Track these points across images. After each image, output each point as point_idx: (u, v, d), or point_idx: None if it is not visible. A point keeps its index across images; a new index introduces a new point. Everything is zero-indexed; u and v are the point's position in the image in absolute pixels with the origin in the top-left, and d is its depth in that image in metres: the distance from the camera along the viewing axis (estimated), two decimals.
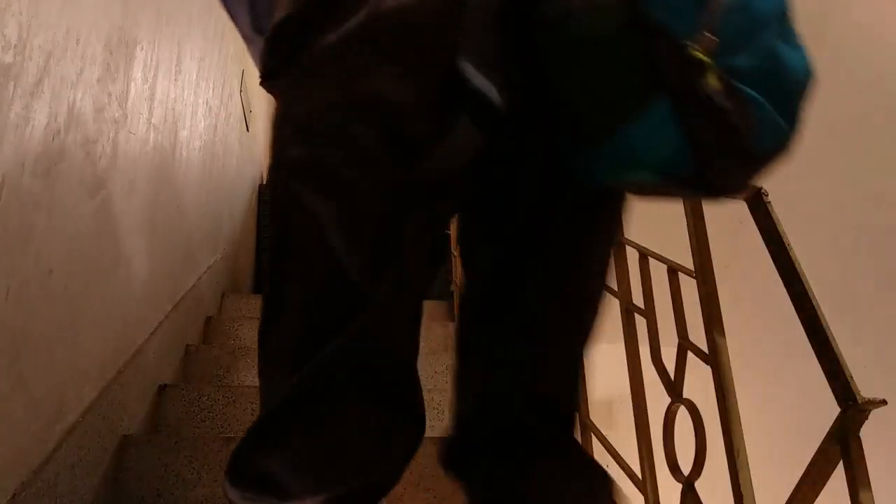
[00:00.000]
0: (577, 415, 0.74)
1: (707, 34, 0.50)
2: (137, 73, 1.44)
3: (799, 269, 0.78)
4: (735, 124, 0.52)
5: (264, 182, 3.79)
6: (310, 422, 0.56)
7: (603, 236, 0.68)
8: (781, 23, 0.54)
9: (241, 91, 2.97)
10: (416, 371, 0.67)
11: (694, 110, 0.52)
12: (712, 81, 0.51)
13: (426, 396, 1.79)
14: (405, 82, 0.53)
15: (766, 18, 0.53)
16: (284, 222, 0.58)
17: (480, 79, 0.53)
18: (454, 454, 0.72)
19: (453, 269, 2.90)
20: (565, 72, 0.55)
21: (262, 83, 0.62)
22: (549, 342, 0.68)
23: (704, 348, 0.91)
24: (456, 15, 0.53)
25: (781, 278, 0.80)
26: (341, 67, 0.54)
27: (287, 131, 0.58)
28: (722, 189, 0.58)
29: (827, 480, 0.71)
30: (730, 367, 0.88)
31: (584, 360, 0.74)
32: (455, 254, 2.86)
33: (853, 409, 0.67)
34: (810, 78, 0.56)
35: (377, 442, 0.60)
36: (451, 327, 2.48)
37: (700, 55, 0.50)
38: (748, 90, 0.52)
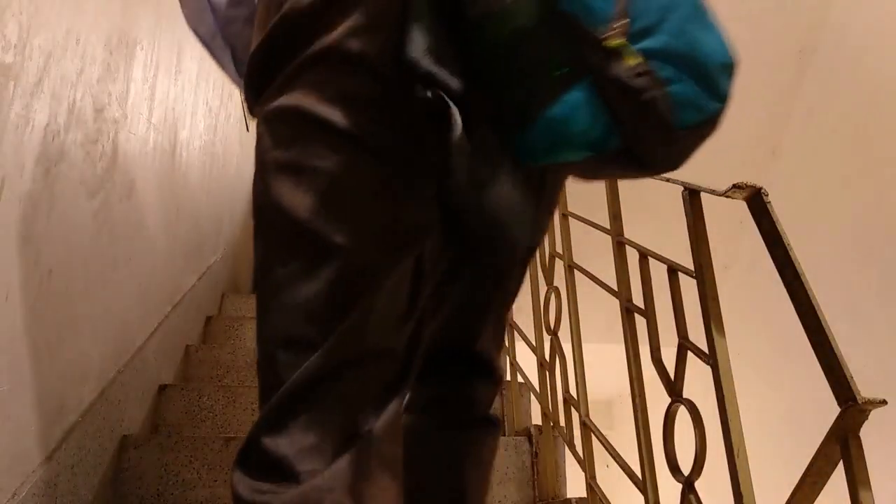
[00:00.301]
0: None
1: (620, 21, 0.55)
2: (137, 73, 1.44)
3: (799, 269, 0.78)
4: (650, 101, 0.56)
5: None
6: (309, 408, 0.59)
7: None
8: (694, 6, 0.59)
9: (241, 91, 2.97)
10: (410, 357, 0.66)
11: (611, 91, 0.57)
12: (628, 62, 0.56)
13: None
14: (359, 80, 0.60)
15: (676, 2, 0.58)
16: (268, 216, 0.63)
17: (432, 66, 0.58)
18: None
19: None
20: (494, 65, 0.60)
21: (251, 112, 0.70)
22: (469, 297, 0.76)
23: (704, 348, 0.91)
24: (400, 21, 0.58)
25: (781, 278, 0.80)
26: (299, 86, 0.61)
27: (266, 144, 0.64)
28: (652, 163, 0.62)
29: (827, 480, 0.71)
30: (730, 367, 0.88)
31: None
32: None
33: (853, 409, 0.67)
34: (729, 58, 0.60)
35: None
36: None
37: (613, 41, 0.55)
38: (663, 69, 0.57)
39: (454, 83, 0.58)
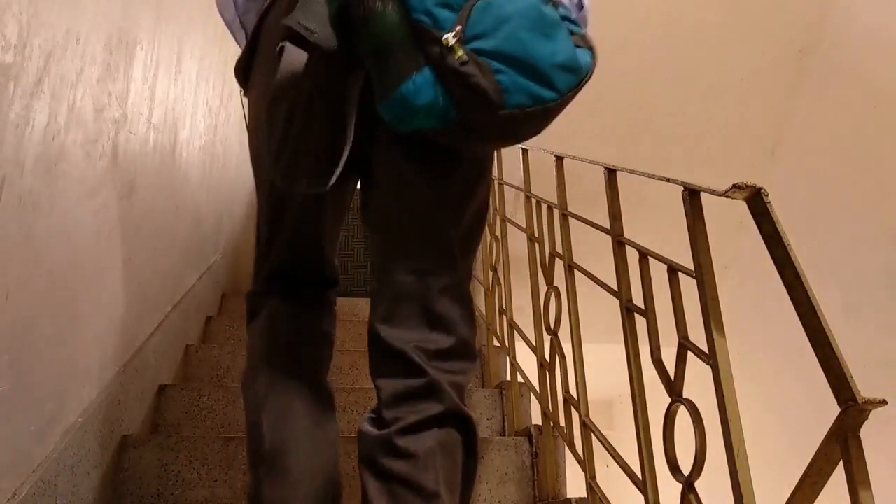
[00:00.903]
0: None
1: (457, 27, 0.78)
2: (137, 73, 1.44)
3: (799, 269, 0.78)
4: (477, 84, 0.77)
5: None
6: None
7: (435, 175, 0.90)
8: (530, 21, 0.80)
9: (241, 91, 2.97)
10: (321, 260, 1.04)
11: (449, 76, 0.78)
12: (459, 55, 0.77)
13: None
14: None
15: (508, 16, 0.79)
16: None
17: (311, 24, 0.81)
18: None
19: None
20: (366, 49, 0.82)
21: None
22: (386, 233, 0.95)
23: (704, 348, 0.91)
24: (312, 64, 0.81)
25: (781, 278, 0.80)
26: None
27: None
28: (488, 134, 0.83)
29: (827, 480, 0.71)
30: (730, 367, 0.88)
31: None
32: None
33: (853, 409, 0.67)
34: (565, 60, 0.81)
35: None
36: None
37: (447, 40, 0.77)
38: (492, 62, 0.78)
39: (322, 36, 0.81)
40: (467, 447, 0.84)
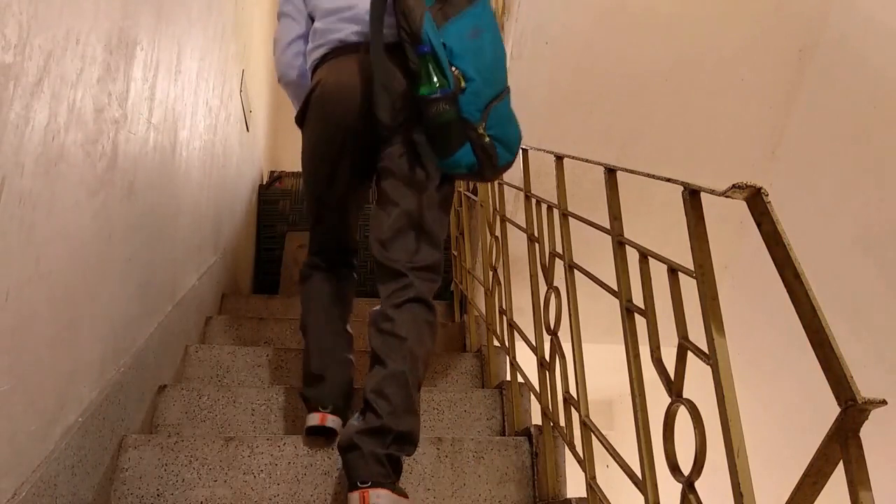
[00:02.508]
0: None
1: (482, 123, 1.42)
2: (137, 73, 1.44)
3: (799, 269, 0.78)
4: (490, 154, 1.45)
5: (264, 182, 3.80)
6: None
7: (432, 192, 1.51)
8: (507, 118, 1.49)
9: (241, 91, 2.97)
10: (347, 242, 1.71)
11: (478, 148, 1.44)
12: (484, 137, 1.43)
13: (425, 396, 1.81)
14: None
15: (500, 116, 1.46)
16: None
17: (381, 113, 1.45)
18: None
19: (454, 270, 2.90)
20: (431, 125, 1.43)
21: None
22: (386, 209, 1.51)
23: (704, 348, 0.91)
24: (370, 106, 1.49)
25: (781, 278, 0.80)
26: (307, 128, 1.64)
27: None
28: (489, 176, 1.53)
29: (827, 480, 0.71)
30: (730, 367, 0.88)
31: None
32: (455, 253, 2.86)
33: (853, 409, 0.67)
34: (516, 139, 1.51)
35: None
36: (451, 327, 2.48)
37: (480, 130, 1.42)
38: (496, 142, 1.45)
39: (387, 121, 1.45)
40: (429, 320, 1.42)
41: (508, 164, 1.51)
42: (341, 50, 1.55)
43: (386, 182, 1.51)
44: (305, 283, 1.67)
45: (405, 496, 1.27)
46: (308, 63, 1.64)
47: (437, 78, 1.39)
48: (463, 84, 1.40)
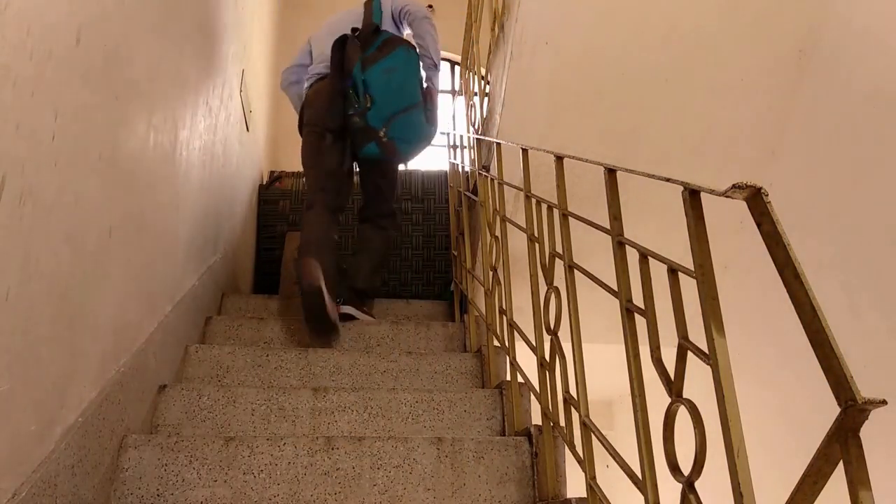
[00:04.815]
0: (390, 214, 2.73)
1: (384, 129, 2.43)
2: (138, 73, 1.44)
3: (799, 269, 0.78)
4: (390, 148, 2.45)
5: (264, 182, 3.80)
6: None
7: (378, 169, 2.65)
8: (413, 126, 2.52)
9: (241, 91, 2.97)
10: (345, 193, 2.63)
11: (381, 145, 2.44)
12: (384, 137, 2.43)
13: (426, 397, 1.79)
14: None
15: (405, 126, 2.49)
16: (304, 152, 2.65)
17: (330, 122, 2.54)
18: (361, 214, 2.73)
19: (454, 270, 2.90)
20: (352, 132, 2.48)
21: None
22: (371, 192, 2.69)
23: (704, 348, 0.91)
24: (327, 110, 2.55)
25: (781, 278, 0.80)
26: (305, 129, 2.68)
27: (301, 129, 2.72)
28: (396, 161, 2.69)
29: (827, 480, 0.71)
30: (730, 367, 0.87)
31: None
32: (455, 253, 2.86)
33: (853, 409, 0.67)
34: (425, 137, 2.57)
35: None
36: (451, 327, 2.48)
37: (381, 133, 2.42)
38: (397, 140, 2.45)
39: (333, 126, 2.52)
40: (386, 238, 2.67)
41: (414, 152, 2.56)
42: (319, 79, 2.66)
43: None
44: (308, 210, 2.49)
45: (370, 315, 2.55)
46: (305, 84, 2.78)
47: (356, 101, 2.41)
48: (369, 105, 2.39)
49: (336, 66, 2.46)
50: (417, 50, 2.59)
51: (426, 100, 2.54)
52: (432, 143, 2.66)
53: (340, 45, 2.47)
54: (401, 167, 2.94)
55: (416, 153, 2.56)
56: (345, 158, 2.53)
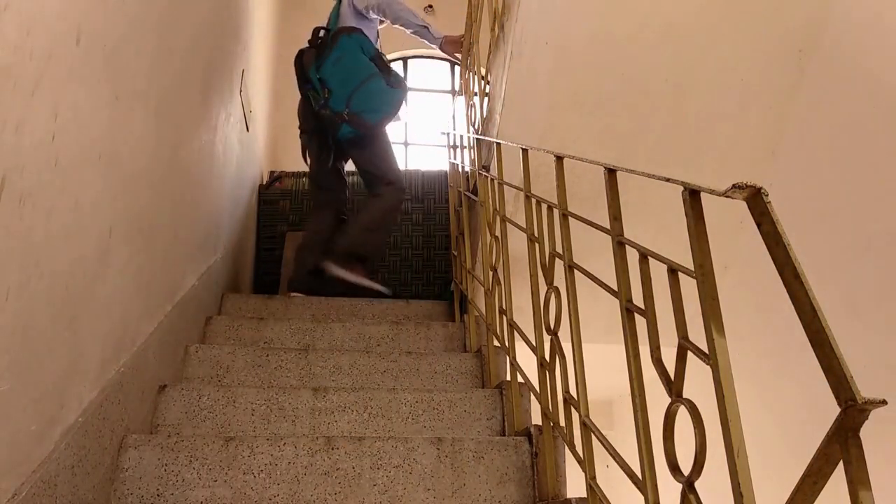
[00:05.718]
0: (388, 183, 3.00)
1: (346, 108, 2.81)
2: (138, 73, 1.44)
3: (799, 269, 0.78)
4: (358, 122, 2.82)
5: (264, 182, 3.80)
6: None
7: (361, 147, 2.94)
8: (374, 94, 2.88)
9: (240, 91, 2.97)
10: (341, 190, 3.13)
11: (349, 122, 2.81)
12: (349, 114, 2.80)
13: (426, 397, 1.79)
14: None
15: (369, 95, 2.86)
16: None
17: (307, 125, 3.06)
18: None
19: (454, 270, 2.90)
20: (328, 127, 2.91)
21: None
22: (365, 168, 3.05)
23: (704, 348, 0.91)
24: (302, 115, 3.10)
25: (781, 278, 0.80)
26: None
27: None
28: (369, 132, 2.90)
29: (827, 480, 0.71)
30: (730, 367, 0.87)
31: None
32: (455, 253, 2.86)
33: (853, 409, 0.67)
34: (390, 102, 2.93)
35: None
36: (451, 327, 2.48)
37: (345, 112, 2.81)
38: (361, 113, 2.82)
39: (308, 128, 3.06)
40: (381, 202, 2.93)
41: (385, 118, 2.89)
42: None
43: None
44: (314, 208, 3.13)
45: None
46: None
47: (317, 96, 2.83)
48: (327, 95, 2.79)
49: (297, 76, 2.94)
50: (367, 32, 3.00)
51: (381, 67, 2.88)
52: (406, 102, 2.98)
53: (298, 57, 2.94)
54: (391, 140, 3.12)
55: (388, 118, 2.88)
56: (330, 154, 2.95)
